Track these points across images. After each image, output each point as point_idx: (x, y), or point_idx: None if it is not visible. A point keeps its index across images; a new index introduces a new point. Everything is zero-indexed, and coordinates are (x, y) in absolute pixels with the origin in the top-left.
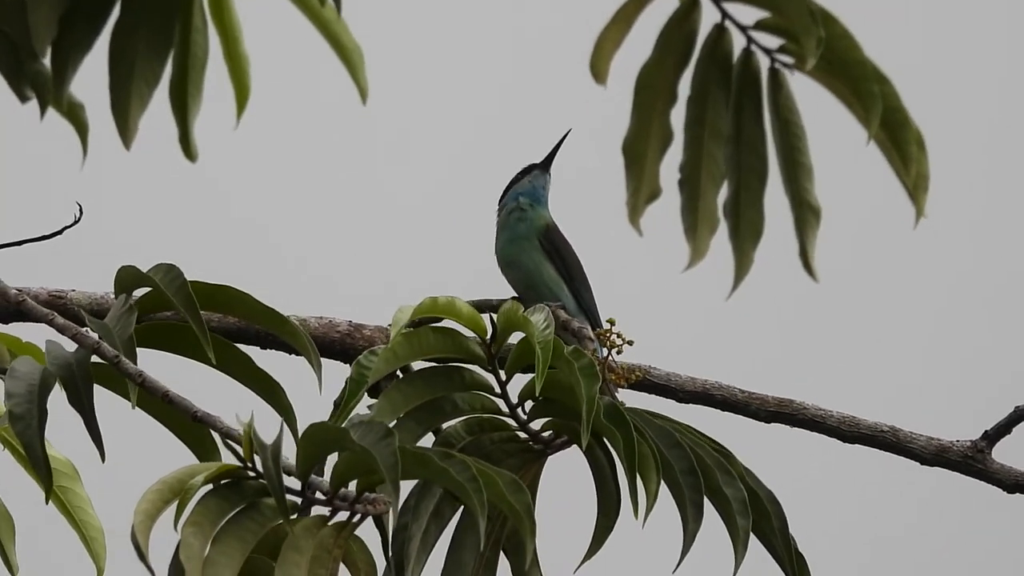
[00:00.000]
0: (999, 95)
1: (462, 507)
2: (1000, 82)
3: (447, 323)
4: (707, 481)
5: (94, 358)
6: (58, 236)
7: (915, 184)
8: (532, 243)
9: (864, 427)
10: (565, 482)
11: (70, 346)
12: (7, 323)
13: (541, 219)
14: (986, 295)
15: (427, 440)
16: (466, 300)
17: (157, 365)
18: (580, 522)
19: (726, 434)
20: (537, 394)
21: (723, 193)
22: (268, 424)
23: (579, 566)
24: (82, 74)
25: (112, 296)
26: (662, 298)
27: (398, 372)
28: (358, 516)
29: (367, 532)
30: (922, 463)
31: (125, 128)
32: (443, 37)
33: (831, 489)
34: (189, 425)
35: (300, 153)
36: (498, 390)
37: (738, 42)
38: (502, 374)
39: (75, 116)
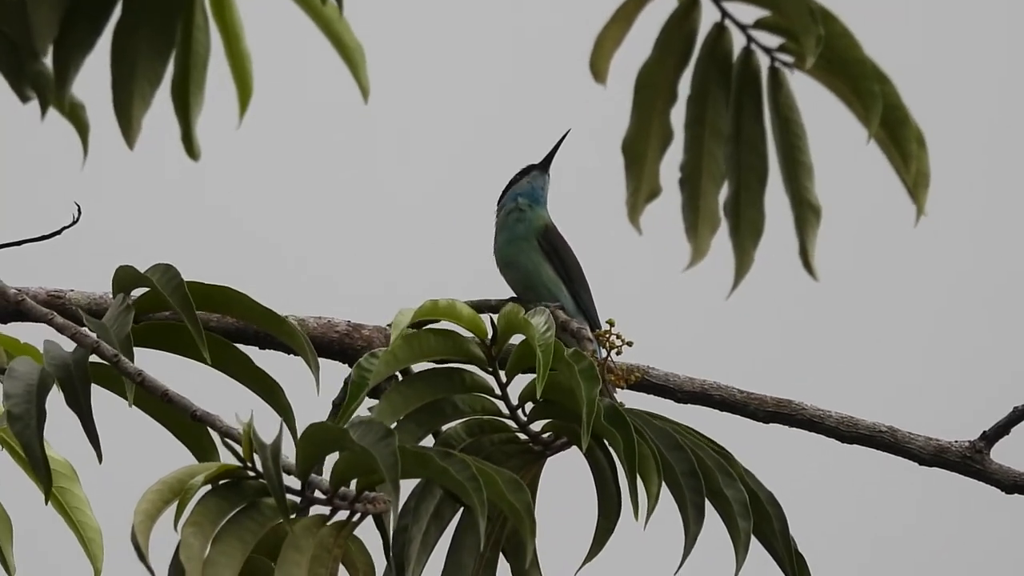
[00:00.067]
0: (999, 94)
1: (462, 508)
2: (1000, 81)
3: (447, 325)
4: (708, 483)
5: (93, 358)
6: (57, 236)
7: (915, 182)
8: (531, 243)
9: (862, 427)
10: (565, 484)
11: (69, 346)
12: (6, 323)
13: (540, 220)
14: (986, 295)
15: (427, 442)
16: (465, 300)
17: (156, 365)
18: (580, 524)
19: (724, 434)
20: (538, 396)
21: (723, 192)
22: (267, 424)
23: (579, 568)
24: (81, 74)
25: (110, 296)
26: (660, 298)
27: (397, 374)
28: (358, 515)
29: (367, 533)
30: (920, 463)
31: (128, 127)
32: (443, 37)
33: (830, 489)
34: (188, 425)
35: (300, 153)
36: (498, 392)
37: (738, 41)
38: (502, 376)
39: (76, 116)
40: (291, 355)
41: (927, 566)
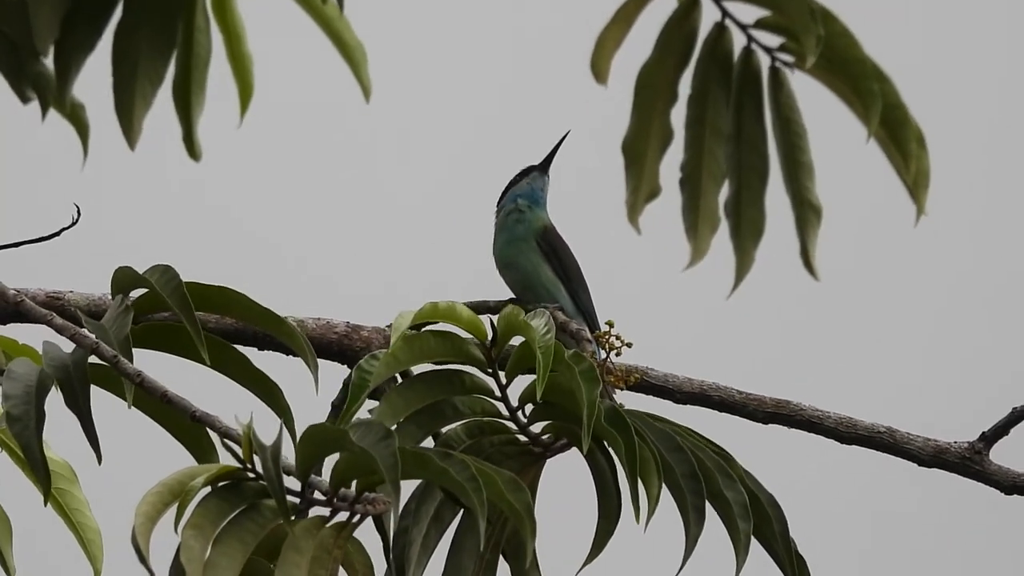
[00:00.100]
0: (999, 94)
1: (462, 510)
2: (1000, 81)
3: (447, 327)
4: (708, 485)
5: (92, 359)
6: (56, 237)
7: (915, 182)
8: (530, 244)
9: (861, 428)
10: (565, 486)
11: (68, 347)
12: (5, 324)
13: (539, 221)
14: (986, 295)
15: (427, 444)
16: (464, 302)
17: (155, 366)
18: (580, 526)
19: (723, 435)
20: (538, 398)
21: (724, 192)
22: (266, 425)
23: (580, 570)
24: (82, 74)
25: (109, 297)
26: (659, 298)
27: (397, 376)
28: (358, 516)
29: (366, 535)
30: (920, 464)
31: (129, 128)
32: (443, 37)
33: (829, 490)
34: (187, 426)
35: (300, 153)
36: (498, 393)
37: (738, 41)
38: (502, 377)
39: (76, 117)
40: (290, 356)
41: (926, 567)
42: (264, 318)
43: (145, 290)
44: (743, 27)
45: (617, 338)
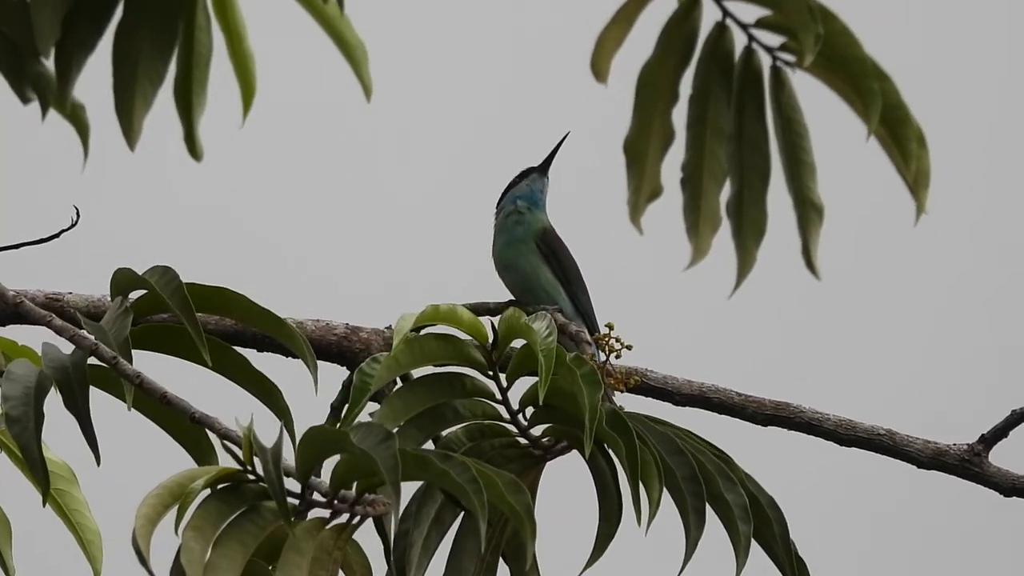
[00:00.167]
0: (1000, 93)
1: (463, 513)
2: (1000, 80)
3: (448, 329)
4: (709, 487)
5: (91, 360)
6: (55, 239)
7: (916, 180)
8: (529, 246)
9: (861, 430)
10: (565, 488)
11: (68, 348)
12: (4, 325)
13: (538, 222)
14: (986, 295)
15: (428, 447)
16: (464, 303)
17: (154, 368)
18: (581, 529)
19: (722, 437)
20: (540, 402)
21: (725, 192)
22: (265, 426)
23: (581, 572)
24: (81, 75)
25: (109, 298)
26: (658, 300)
27: (397, 379)
28: (358, 518)
29: (367, 537)
30: (919, 466)
31: (129, 128)
32: (443, 37)
33: (827, 492)
34: (186, 427)
35: (300, 153)
36: (499, 396)
37: (739, 40)
38: (503, 380)
39: (76, 117)
40: (289, 357)
41: (925, 569)
42: (264, 319)
43: (144, 291)
44: (744, 26)
45: (617, 340)
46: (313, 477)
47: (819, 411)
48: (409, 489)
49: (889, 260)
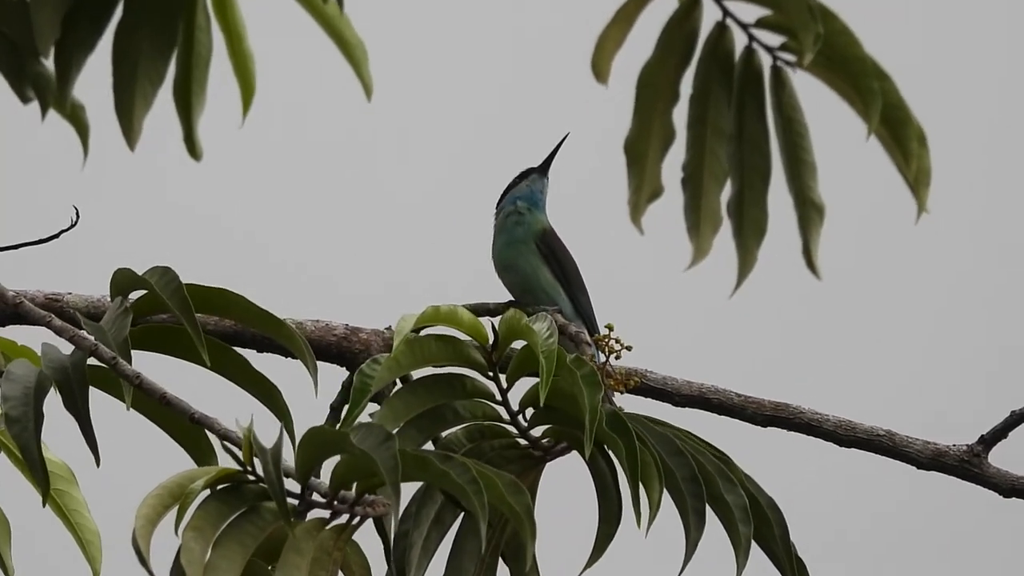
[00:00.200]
0: (1000, 92)
1: (462, 513)
2: (1001, 79)
3: (448, 330)
4: (709, 488)
5: (91, 360)
6: (55, 239)
7: (916, 180)
8: (529, 247)
9: (860, 431)
10: (565, 489)
11: (67, 349)
12: (4, 325)
13: (538, 223)
14: (986, 296)
15: (428, 448)
16: (463, 304)
17: (153, 368)
18: (580, 529)
19: (722, 438)
20: (541, 403)
21: (726, 192)
22: (264, 427)
23: (580, 573)
24: (81, 75)
25: (109, 299)
26: (658, 300)
27: (397, 380)
28: (357, 519)
29: (367, 538)
30: (918, 467)
31: (129, 129)
32: (443, 37)
33: (827, 493)
34: (186, 428)
35: (299, 152)
36: (499, 397)
37: (740, 40)
38: (503, 381)
39: (76, 117)
40: (288, 358)
41: (925, 570)
42: (263, 320)
43: (144, 292)
44: (744, 26)
45: (617, 341)
46: (313, 478)
47: (818, 412)
48: (409, 490)
49: (889, 260)
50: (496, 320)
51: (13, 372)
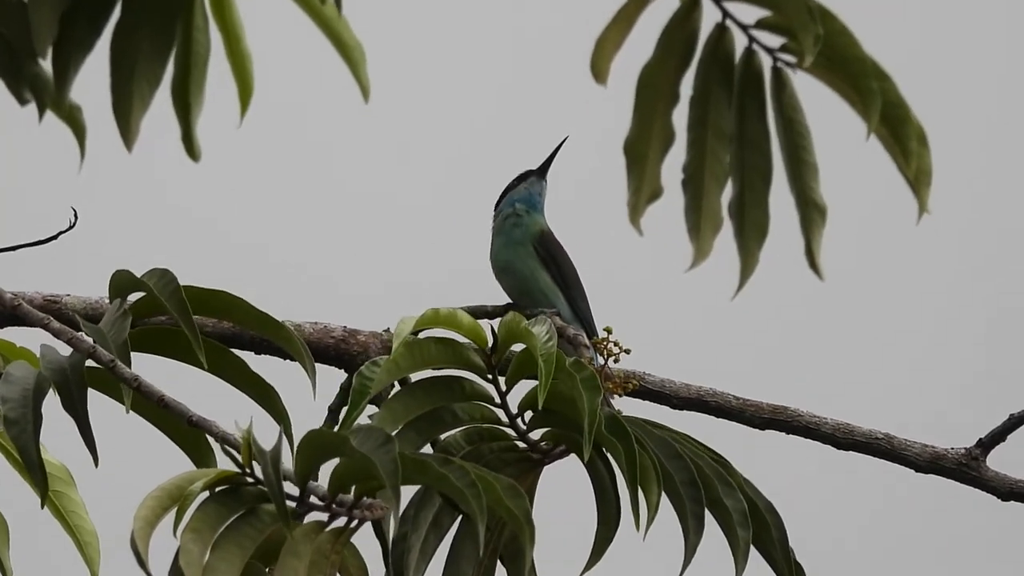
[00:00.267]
0: (1000, 92)
1: (461, 516)
2: (1001, 79)
3: (447, 333)
4: (707, 492)
5: (89, 362)
6: (53, 241)
7: (917, 179)
8: (527, 249)
9: (858, 434)
10: (564, 492)
11: (66, 351)
12: (2, 327)
13: (536, 225)
14: (986, 296)
15: (427, 451)
16: (462, 306)
17: (153, 370)
18: (579, 533)
19: (720, 441)
20: (540, 406)
21: (727, 193)
22: (262, 428)
23: None
24: (78, 76)
25: (107, 301)
26: (657, 302)
27: (395, 382)
28: (356, 522)
29: (365, 540)
30: (917, 470)
31: (127, 130)
32: (443, 37)
33: (825, 496)
34: (185, 430)
35: (297, 154)
36: (498, 400)
37: (740, 41)
38: (502, 384)
39: (73, 119)
40: (287, 360)
41: (923, 573)
42: (261, 322)
43: (143, 294)
44: (744, 27)
45: (615, 344)
46: (311, 481)
47: (817, 415)
48: (407, 493)
49: (890, 260)
50: (495, 323)
51: (12, 374)
